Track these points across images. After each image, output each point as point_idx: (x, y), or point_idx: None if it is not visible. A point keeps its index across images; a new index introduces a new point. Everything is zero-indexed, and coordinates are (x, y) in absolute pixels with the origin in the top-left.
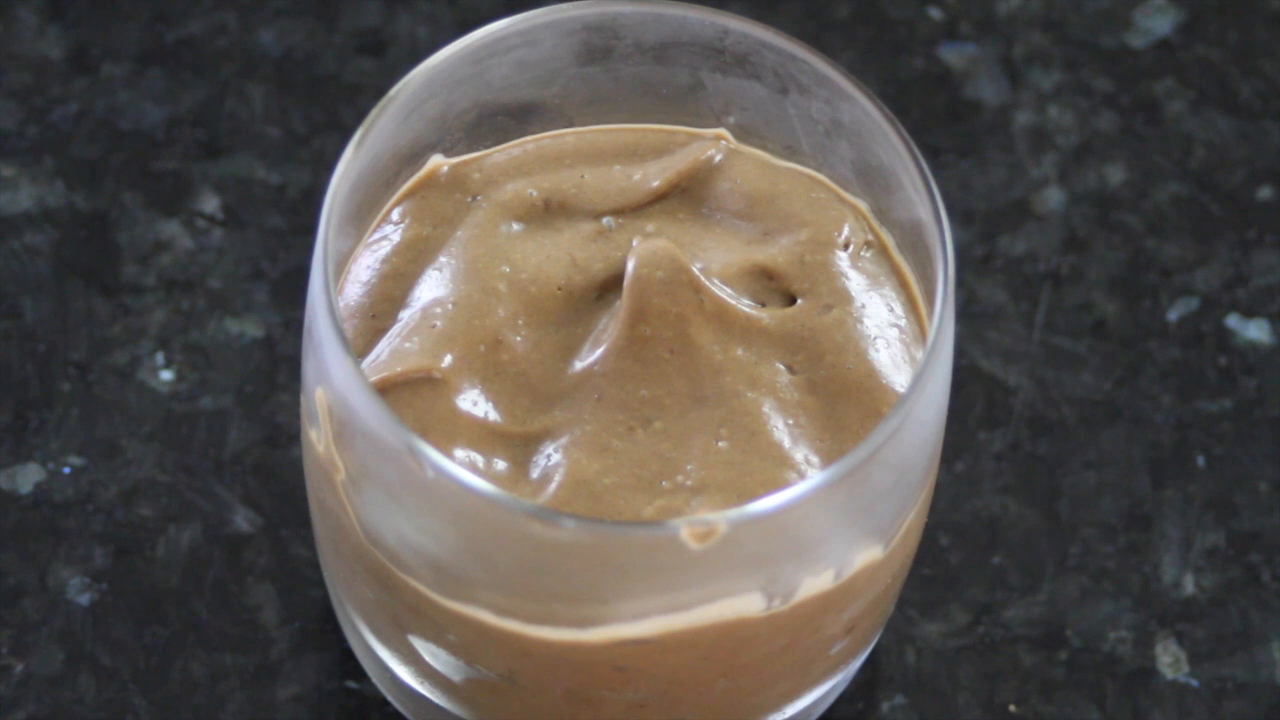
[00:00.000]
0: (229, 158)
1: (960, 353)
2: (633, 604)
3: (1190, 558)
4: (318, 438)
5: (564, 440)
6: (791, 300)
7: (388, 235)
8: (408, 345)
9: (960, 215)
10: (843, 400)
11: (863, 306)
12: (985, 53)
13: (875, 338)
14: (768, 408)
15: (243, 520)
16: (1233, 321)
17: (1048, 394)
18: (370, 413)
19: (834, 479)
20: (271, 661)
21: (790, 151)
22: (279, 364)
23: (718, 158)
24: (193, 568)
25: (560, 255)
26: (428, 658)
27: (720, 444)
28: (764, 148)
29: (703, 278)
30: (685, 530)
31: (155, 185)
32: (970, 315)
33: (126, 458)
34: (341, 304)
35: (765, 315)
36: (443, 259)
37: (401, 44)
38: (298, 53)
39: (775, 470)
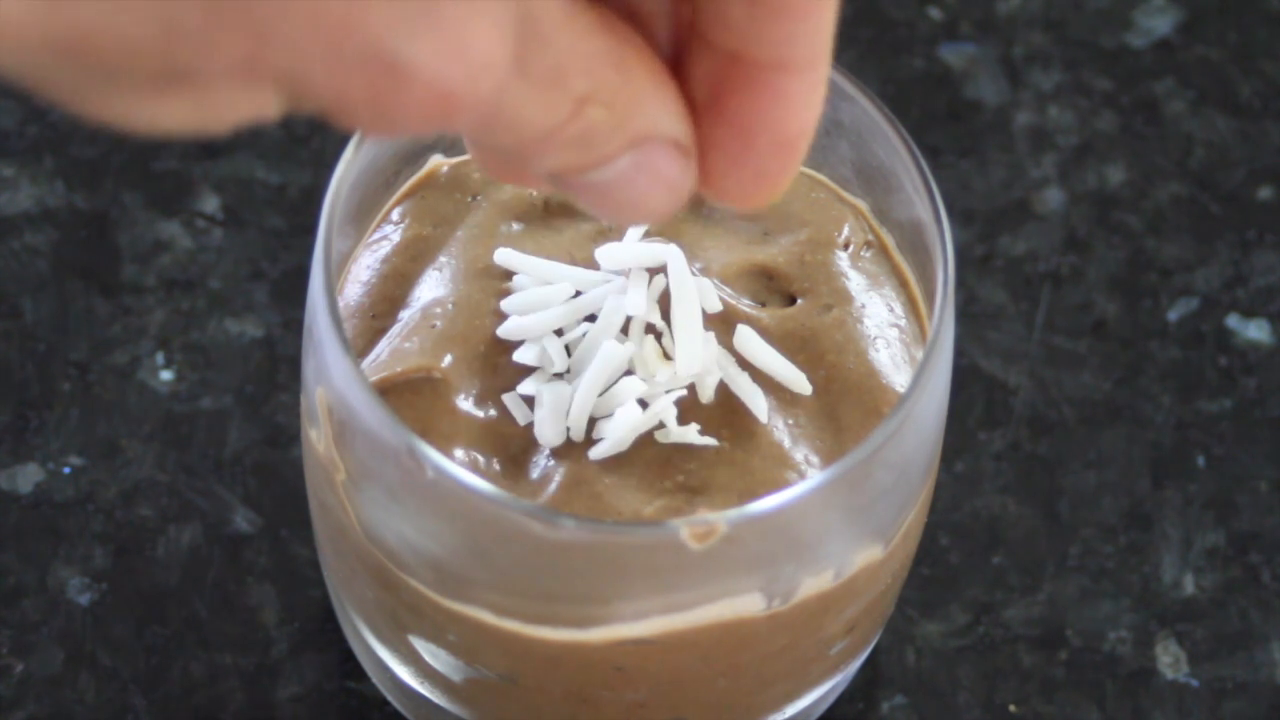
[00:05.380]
0: (229, 158)
1: (960, 353)
2: (633, 604)
3: (1190, 558)
4: (318, 438)
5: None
6: (791, 300)
7: (388, 235)
8: (408, 345)
9: (960, 215)
10: (843, 400)
11: (863, 306)
12: (985, 53)
13: (875, 338)
14: (768, 407)
15: (243, 520)
16: (1233, 321)
17: (1048, 394)
18: (370, 413)
19: (834, 479)
20: (271, 661)
21: None
22: (279, 364)
23: None
24: (193, 568)
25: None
26: (428, 658)
27: (720, 444)
28: None
29: (703, 277)
30: (685, 530)
31: (155, 185)
32: (970, 315)
33: (126, 458)
34: (341, 304)
35: (765, 315)
36: (443, 259)
37: None
38: None
39: (775, 470)
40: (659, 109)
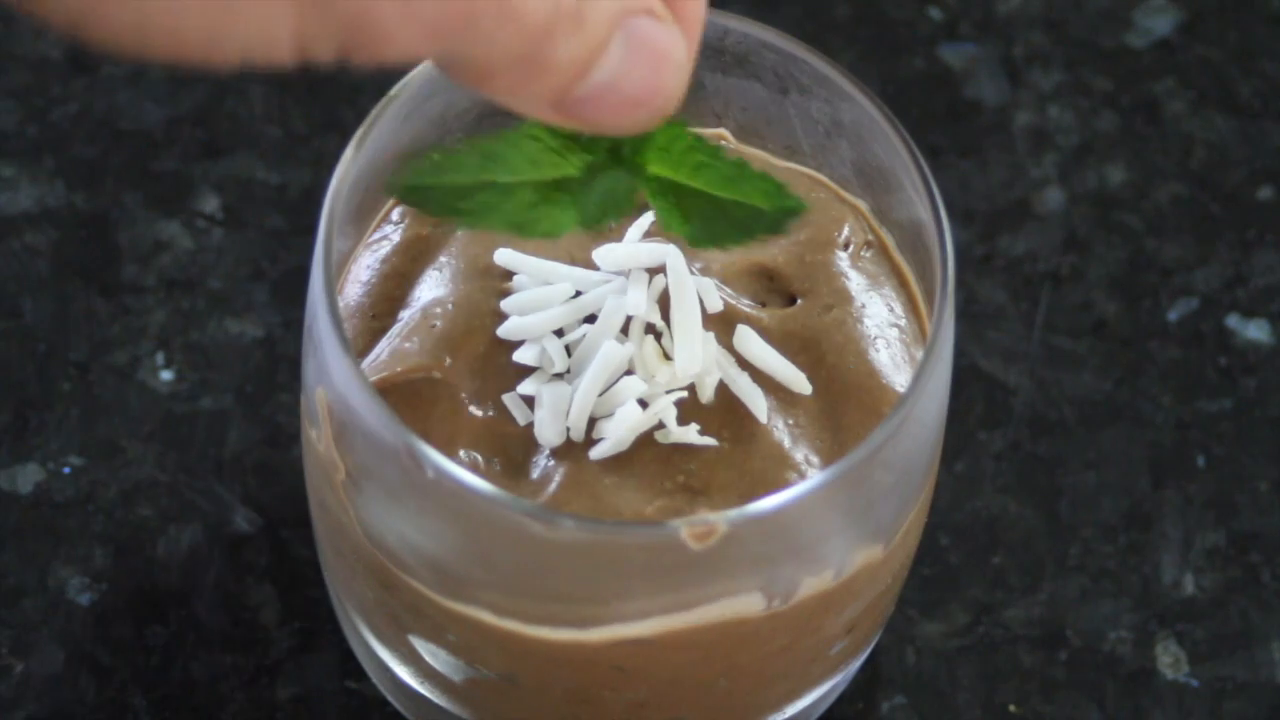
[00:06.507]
0: (229, 158)
1: (960, 353)
2: (633, 604)
3: (1190, 558)
4: (318, 438)
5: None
6: (792, 300)
7: (388, 235)
8: (408, 345)
9: (960, 215)
10: (843, 400)
11: (863, 306)
12: (985, 53)
13: (875, 338)
14: (768, 407)
15: (243, 520)
16: (1233, 321)
17: (1048, 394)
18: (370, 413)
19: (834, 479)
20: (271, 661)
21: (790, 151)
22: (279, 364)
23: None
24: (193, 568)
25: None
26: (428, 658)
27: (720, 444)
28: (764, 148)
29: (703, 277)
30: (685, 530)
31: (155, 185)
32: (970, 315)
33: (126, 458)
34: (341, 304)
35: (765, 315)
36: (443, 259)
37: None
38: None
39: (775, 470)
40: None
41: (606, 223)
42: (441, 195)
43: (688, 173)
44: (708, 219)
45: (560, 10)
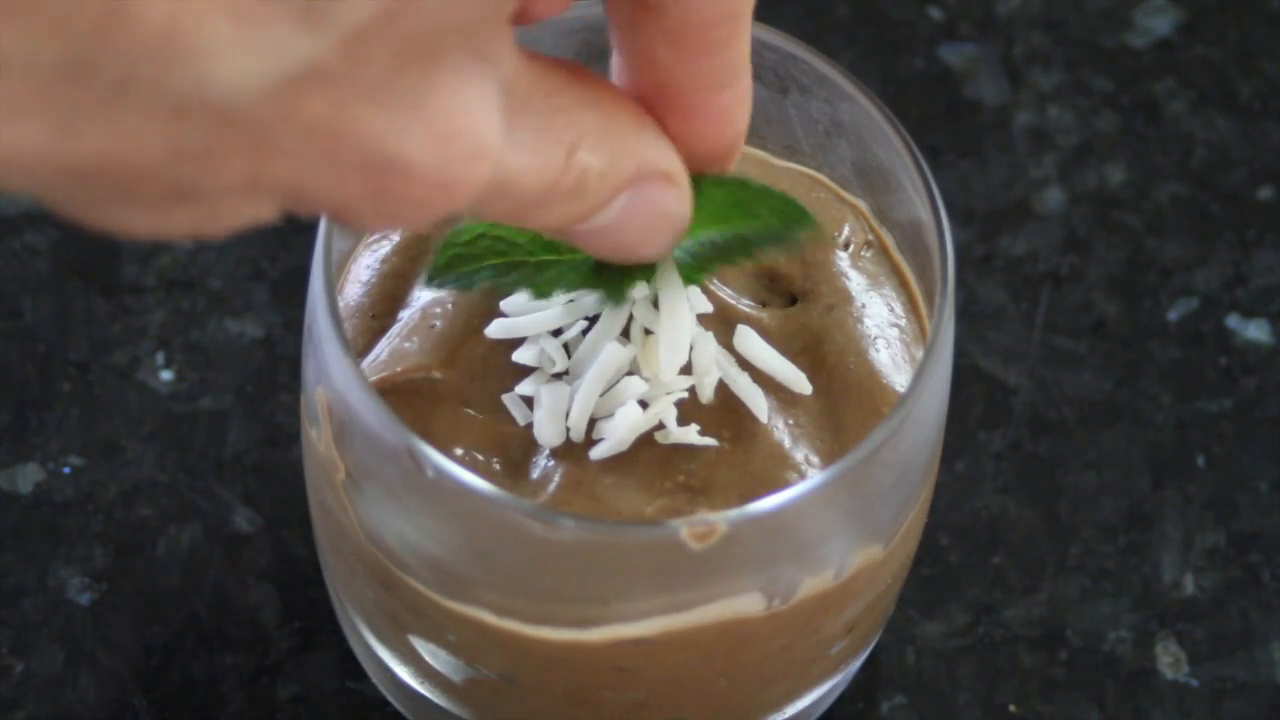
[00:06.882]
0: None
1: (960, 353)
2: (633, 604)
3: (1190, 558)
4: (318, 437)
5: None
6: (792, 300)
7: (388, 235)
8: (408, 345)
9: (960, 215)
10: (843, 400)
11: (863, 306)
12: (985, 53)
13: (875, 338)
14: (768, 407)
15: (243, 520)
16: (1233, 321)
17: (1048, 394)
18: (370, 413)
19: (834, 479)
20: (271, 661)
21: (790, 151)
22: (279, 364)
23: None
24: (193, 568)
25: None
26: (428, 658)
27: (720, 444)
28: (764, 148)
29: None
30: (685, 530)
31: None
32: (970, 315)
33: (126, 458)
34: (341, 304)
35: (766, 315)
36: None
37: None
38: None
39: (775, 470)
40: (643, 143)
41: (630, 292)
42: (483, 276)
43: None
44: (712, 245)
45: (557, 186)
